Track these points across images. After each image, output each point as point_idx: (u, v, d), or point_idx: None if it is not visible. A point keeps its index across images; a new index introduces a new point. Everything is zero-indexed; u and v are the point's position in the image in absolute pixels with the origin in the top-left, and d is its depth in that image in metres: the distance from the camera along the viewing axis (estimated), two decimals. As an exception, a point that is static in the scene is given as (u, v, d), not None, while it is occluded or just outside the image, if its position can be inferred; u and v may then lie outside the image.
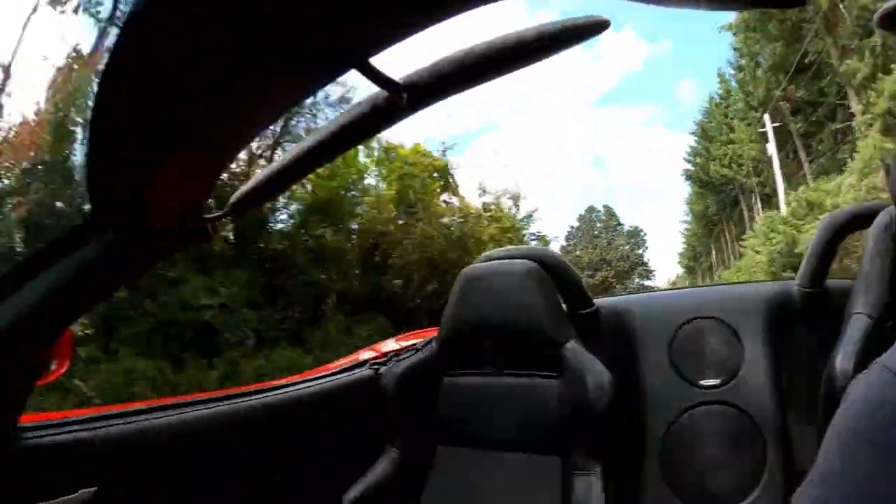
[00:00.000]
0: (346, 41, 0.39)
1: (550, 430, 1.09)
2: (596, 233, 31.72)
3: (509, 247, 1.32)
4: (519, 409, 1.14)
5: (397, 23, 0.39)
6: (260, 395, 1.17)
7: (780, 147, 16.39)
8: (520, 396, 1.14)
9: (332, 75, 0.42)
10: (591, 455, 1.03)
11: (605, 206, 33.13)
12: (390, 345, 1.44)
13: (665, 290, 2.20)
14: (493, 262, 1.23)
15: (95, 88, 0.48)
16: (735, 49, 18.39)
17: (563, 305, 1.19)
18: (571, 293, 1.22)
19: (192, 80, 0.43)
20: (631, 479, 1.11)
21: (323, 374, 1.32)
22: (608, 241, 31.13)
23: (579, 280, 1.26)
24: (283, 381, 1.28)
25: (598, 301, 1.28)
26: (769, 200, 18.32)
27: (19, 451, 0.83)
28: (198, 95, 0.45)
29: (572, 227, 31.60)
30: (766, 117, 16.52)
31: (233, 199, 0.69)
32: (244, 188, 0.68)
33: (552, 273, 1.18)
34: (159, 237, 0.71)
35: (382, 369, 1.31)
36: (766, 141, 16.56)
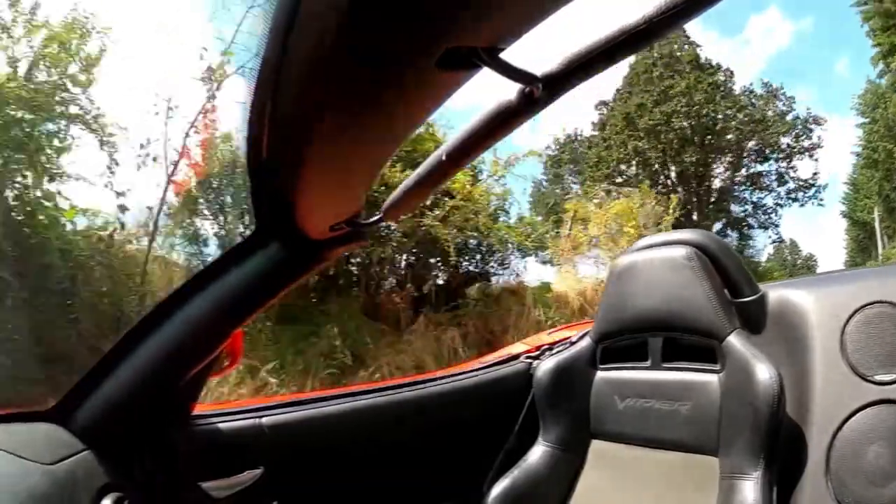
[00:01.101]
0: (476, 38, 0.39)
1: (709, 429, 1.01)
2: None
3: (664, 233, 1.23)
4: (676, 405, 1.07)
5: (524, 13, 0.38)
6: (414, 387, 1.22)
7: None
8: (678, 392, 1.07)
9: (466, 75, 0.42)
10: (752, 458, 0.93)
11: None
12: (543, 338, 1.43)
13: (834, 271, 1.86)
14: (648, 248, 1.16)
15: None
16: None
17: (725, 292, 1.07)
18: (733, 279, 1.10)
19: (331, 101, 0.45)
20: (793, 485, 0.97)
21: (476, 367, 1.34)
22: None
23: (742, 264, 1.13)
24: (437, 374, 1.32)
25: (762, 286, 1.14)
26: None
27: (195, 435, 0.95)
28: (338, 113, 0.47)
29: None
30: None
31: (385, 205, 0.73)
32: (395, 194, 0.71)
33: (712, 257, 1.09)
34: (318, 247, 0.77)
35: (535, 363, 1.30)
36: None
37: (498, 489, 1.18)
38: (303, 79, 0.43)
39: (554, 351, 1.31)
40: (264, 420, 1.02)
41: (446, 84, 0.44)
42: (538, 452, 1.21)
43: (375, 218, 0.75)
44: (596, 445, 1.18)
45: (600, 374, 1.20)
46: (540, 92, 0.47)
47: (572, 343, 1.27)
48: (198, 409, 0.97)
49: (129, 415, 0.79)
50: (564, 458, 1.19)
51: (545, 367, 1.25)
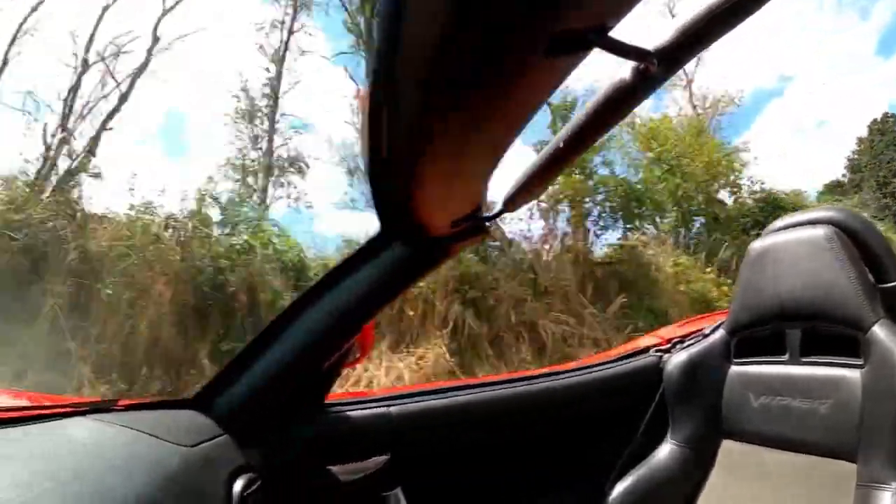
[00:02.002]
0: (583, 20, 0.38)
1: (848, 431, 0.90)
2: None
3: (804, 211, 1.10)
4: (815, 404, 0.96)
5: None
6: (540, 380, 1.21)
7: None
8: (817, 389, 0.97)
9: (576, 59, 0.41)
10: (894, 466, 0.83)
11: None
12: (674, 330, 1.35)
13: None
14: (785, 229, 1.05)
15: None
16: None
17: (870, 276, 0.93)
18: (878, 261, 0.95)
19: (444, 98, 0.45)
20: None
21: (604, 360, 1.30)
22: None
23: (888, 246, 0.97)
24: (564, 367, 1.30)
25: None
26: None
27: (326, 422, 1.00)
28: (453, 109, 0.47)
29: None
30: None
31: (505, 196, 0.73)
32: (514, 185, 0.71)
33: (855, 237, 0.96)
34: (440, 243, 0.79)
35: (666, 356, 1.24)
36: None
37: (621, 487, 1.15)
38: (416, 78, 0.44)
39: (686, 344, 1.24)
40: (392, 409, 1.06)
41: (557, 71, 0.43)
42: (665, 451, 1.16)
43: (497, 211, 0.75)
44: (726, 445, 1.11)
45: (734, 369, 1.12)
46: (656, 68, 0.45)
47: (705, 335, 1.20)
48: (330, 398, 1.03)
49: (265, 402, 0.86)
50: (692, 458, 1.13)
51: (676, 360, 1.19)
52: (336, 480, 0.95)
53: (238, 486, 0.75)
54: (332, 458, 0.97)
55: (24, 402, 0.87)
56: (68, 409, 0.75)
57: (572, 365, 1.32)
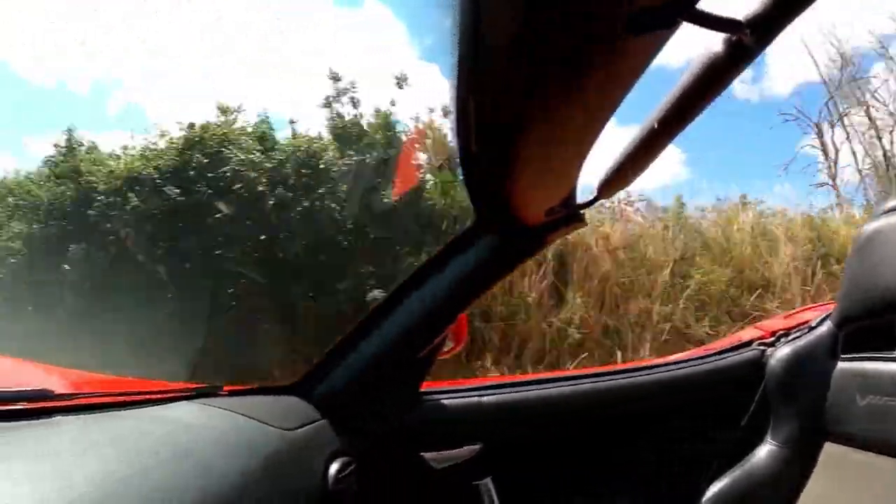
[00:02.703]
0: None
1: None
2: None
3: None
4: None
5: None
6: (636, 373, 1.19)
7: None
8: None
9: (663, 36, 0.40)
10: None
11: None
12: (778, 322, 1.27)
13: None
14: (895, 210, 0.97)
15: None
16: None
17: None
18: None
19: (530, 86, 0.45)
20: None
21: (705, 354, 1.25)
22: None
23: None
24: (663, 360, 1.26)
25: None
26: None
27: (421, 410, 1.02)
28: (540, 97, 0.47)
29: None
30: None
31: (599, 182, 0.71)
32: (609, 170, 0.69)
33: None
34: (535, 232, 0.79)
35: (769, 350, 1.17)
36: None
37: (716, 488, 1.10)
38: (499, 68, 0.44)
39: (790, 337, 1.16)
40: (485, 399, 1.07)
41: (643, 49, 0.42)
42: (764, 452, 1.10)
43: (591, 198, 0.75)
44: (829, 448, 1.03)
45: (841, 365, 1.04)
46: (749, 38, 0.42)
47: (811, 328, 1.12)
48: (424, 387, 1.05)
49: (363, 389, 0.89)
50: (792, 461, 1.07)
51: (780, 355, 1.13)
52: (428, 467, 0.98)
53: (334, 468, 0.79)
54: (425, 446, 0.99)
55: (135, 387, 0.94)
56: (176, 394, 0.81)
57: (671, 358, 1.28)
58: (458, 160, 0.64)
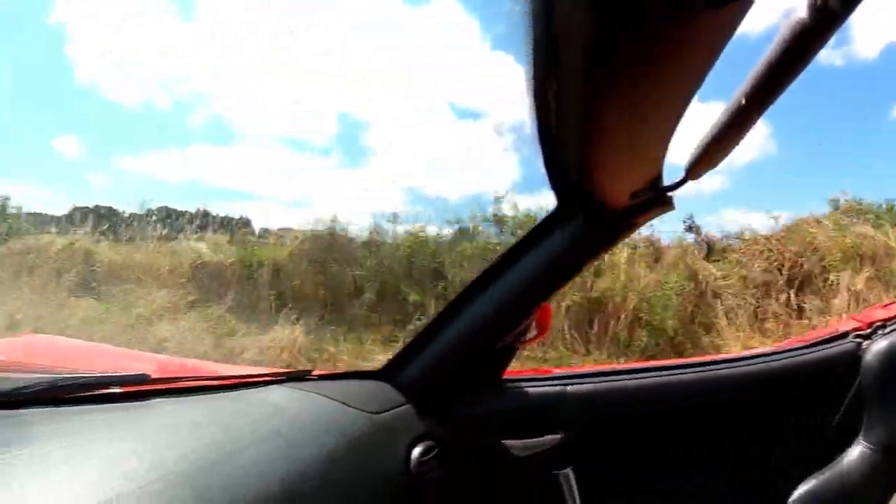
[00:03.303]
0: None
1: None
2: None
3: None
4: None
5: None
6: (724, 365, 1.15)
7: None
8: None
9: (742, 7, 0.39)
10: None
11: None
12: (877, 312, 1.20)
13: None
14: None
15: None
16: None
17: None
18: None
19: (609, 66, 0.44)
20: None
21: (797, 345, 1.19)
22: None
23: None
24: (752, 352, 1.22)
25: None
26: None
27: (503, 397, 1.02)
28: (620, 76, 0.46)
29: None
30: None
31: (687, 163, 0.69)
32: (696, 149, 0.66)
33: None
34: (621, 217, 0.77)
35: (865, 343, 1.11)
36: None
37: (802, 489, 1.06)
38: (576, 48, 0.43)
39: (888, 329, 1.10)
40: (569, 388, 1.06)
41: (724, 21, 0.41)
42: (855, 453, 1.04)
43: (679, 179, 0.72)
44: None
45: None
46: (834, 1, 0.40)
47: None
48: (508, 374, 1.05)
49: (447, 375, 0.91)
50: (887, 465, 1.01)
51: (877, 348, 1.07)
52: (510, 455, 0.98)
53: (416, 452, 0.81)
54: (506, 433, 0.99)
55: (229, 372, 0.99)
56: (268, 378, 0.86)
57: (762, 350, 1.23)
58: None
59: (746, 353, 1.22)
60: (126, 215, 9.40)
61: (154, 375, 0.76)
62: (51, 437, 0.58)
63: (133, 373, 0.75)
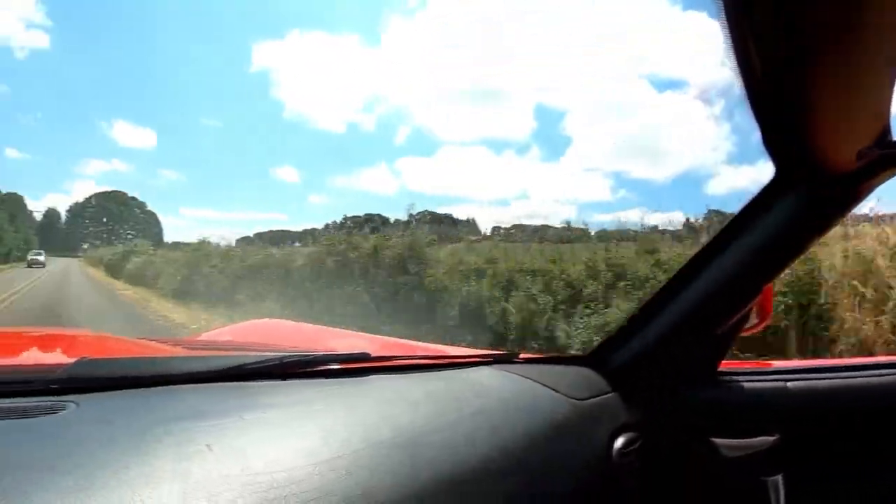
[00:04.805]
0: None
1: None
2: None
3: None
4: None
5: None
6: None
7: None
8: None
9: None
10: None
11: None
12: None
13: None
14: None
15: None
16: None
17: None
18: None
19: (818, 14, 0.42)
20: None
21: None
22: None
23: None
24: None
25: None
26: None
27: (717, 391, 0.94)
28: (833, 25, 0.43)
29: None
30: None
31: None
32: None
33: None
34: (847, 181, 0.70)
35: None
36: None
37: None
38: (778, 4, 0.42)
39: None
40: (790, 385, 0.96)
41: None
42: None
43: None
44: None
45: None
46: None
47: None
48: (724, 366, 0.97)
49: (657, 363, 0.88)
50: None
51: None
52: (717, 454, 0.90)
53: (619, 442, 0.80)
54: (716, 430, 0.92)
55: (441, 353, 1.05)
56: (476, 359, 0.89)
57: None
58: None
59: None
60: (392, 221, 10.83)
61: (374, 354, 0.81)
62: (276, 406, 0.64)
63: (353, 351, 0.82)
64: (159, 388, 0.64)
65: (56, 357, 0.91)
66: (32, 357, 0.93)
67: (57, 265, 22.73)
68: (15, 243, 26.24)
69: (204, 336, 1.80)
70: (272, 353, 0.76)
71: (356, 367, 0.77)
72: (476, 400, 0.75)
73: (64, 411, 0.56)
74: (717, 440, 0.91)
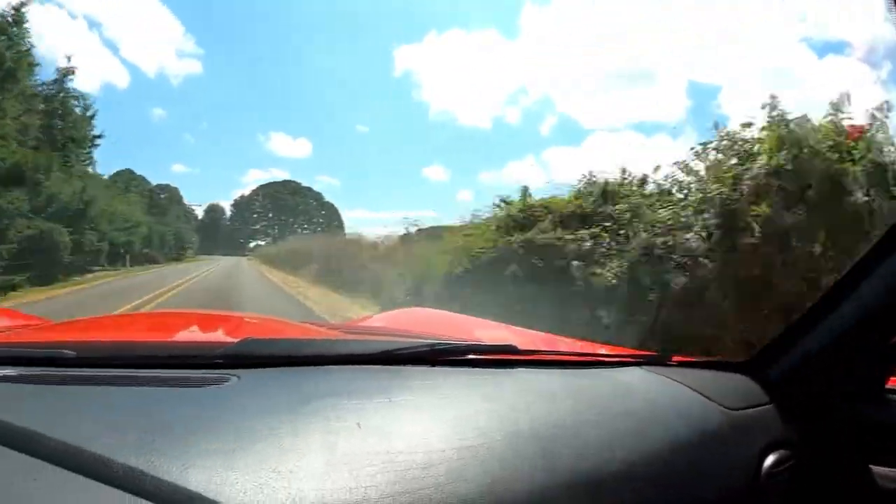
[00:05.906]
0: None
1: None
2: None
3: None
4: None
5: None
6: None
7: None
8: None
9: None
10: None
11: None
12: None
13: None
14: None
15: None
16: None
17: None
18: None
19: None
20: None
21: None
22: None
23: None
24: None
25: None
26: None
27: (885, 412, 0.86)
28: None
29: None
30: None
31: None
32: None
33: None
34: None
35: None
36: None
37: None
38: None
39: None
40: None
41: None
42: None
43: None
44: None
45: None
46: None
47: None
48: (893, 383, 0.89)
49: (819, 376, 0.81)
50: None
51: None
52: (873, 484, 0.82)
53: (770, 460, 0.74)
54: (878, 456, 0.83)
55: (589, 350, 1.02)
56: (624, 359, 0.86)
57: None
58: None
59: None
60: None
61: (519, 347, 0.80)
62: (422, 390, 0.65)
63: (502, 343, 0.82)
64: (315, 367, 0.68)
65: (223, 336, 1.00)
66: (203, 336, 1.03)
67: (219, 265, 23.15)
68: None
69: (359, 322, 1.89)
70: (422, 340, 0.78)
71: (502, 358, 0.77)
72: (622, 401, 0.73)
73: (227, 383, 0.61)
74: (878, 469, 0.83)
